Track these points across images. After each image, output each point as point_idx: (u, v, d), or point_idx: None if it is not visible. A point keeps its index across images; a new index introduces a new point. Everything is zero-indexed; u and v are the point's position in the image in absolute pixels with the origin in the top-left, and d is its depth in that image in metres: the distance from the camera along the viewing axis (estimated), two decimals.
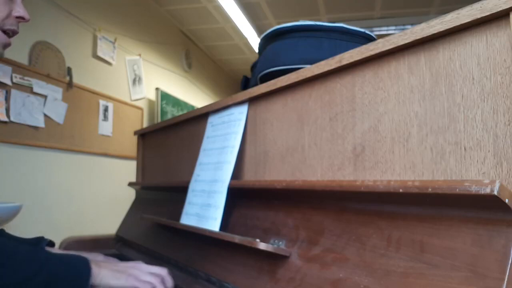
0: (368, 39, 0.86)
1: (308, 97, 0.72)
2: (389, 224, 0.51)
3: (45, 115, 2.29)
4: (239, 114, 0.90)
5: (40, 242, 0.89)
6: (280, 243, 0.67)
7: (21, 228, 2.06)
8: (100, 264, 0.70)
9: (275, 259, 0.66)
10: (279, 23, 1.03)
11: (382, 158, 0.58)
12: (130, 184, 1.47)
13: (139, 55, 3.35)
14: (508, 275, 0.38)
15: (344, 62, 0.63)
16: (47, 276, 0.61)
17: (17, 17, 0.71)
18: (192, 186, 0.98)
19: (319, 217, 0.63)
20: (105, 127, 2.83)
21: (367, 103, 0.61)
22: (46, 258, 0.63)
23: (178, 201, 1.05)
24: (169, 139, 1.28)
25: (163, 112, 3.62)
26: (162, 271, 0.76)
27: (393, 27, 3.82)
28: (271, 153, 0.80)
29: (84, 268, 0.66)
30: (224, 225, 0.83)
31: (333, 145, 0.66)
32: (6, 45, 0.70)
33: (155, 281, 0.73)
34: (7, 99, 2.04)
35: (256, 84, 0.92)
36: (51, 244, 0.93)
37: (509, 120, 0.44)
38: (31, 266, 0.60)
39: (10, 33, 0.71)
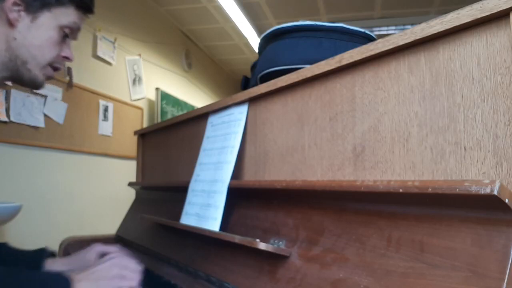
0: (368, 39, 0.86)
1: (308, 97, 0.72)
2: (389, 224, 0.51)
3: (45, 115, 2.29)
4: (239, 114, 0.90)
5: (40, 256, 0.89)
6: (280, 243, 0.67)
7: (21, 228, 2.06)
8: (79, 278, 0.68)
9: (275, 259, 0.66)
10: (279, 23, 1.03)
11: (382, 158, 0.58)
12: (130, 184, 1.47)
13: (139, 55, 3.35)
14: (508, 275, 0.38)
15: (344, 62, 0.63)
16: None
17: (64, 57, 0.80)
18: (192, 186, 0.98)
19: (319, 217, 0.63)
20: (105, 127, 2.83)
21: (367, 103, 0.61)
22: (23, 280, 0.62)
23: (178, 201, 1.05)
24: (169, 139, 1.28)
25: (163, 112, 3.62)
26: (137, 266, 0.76)
27: (393, 27, 3.82)
28: (271, 153, 0.80)
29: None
30: (224, 225, 0.83)
31: (333, 145, 0.66)
32: (50, 78, 0.80)
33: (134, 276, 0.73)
34: (7, 99, 2.04)
35: (256, 84, 0.92)
36: (53, 255, 0.92)
37: (509, 120, 0.44)
38: None
39: (54, 69, 0.80)
